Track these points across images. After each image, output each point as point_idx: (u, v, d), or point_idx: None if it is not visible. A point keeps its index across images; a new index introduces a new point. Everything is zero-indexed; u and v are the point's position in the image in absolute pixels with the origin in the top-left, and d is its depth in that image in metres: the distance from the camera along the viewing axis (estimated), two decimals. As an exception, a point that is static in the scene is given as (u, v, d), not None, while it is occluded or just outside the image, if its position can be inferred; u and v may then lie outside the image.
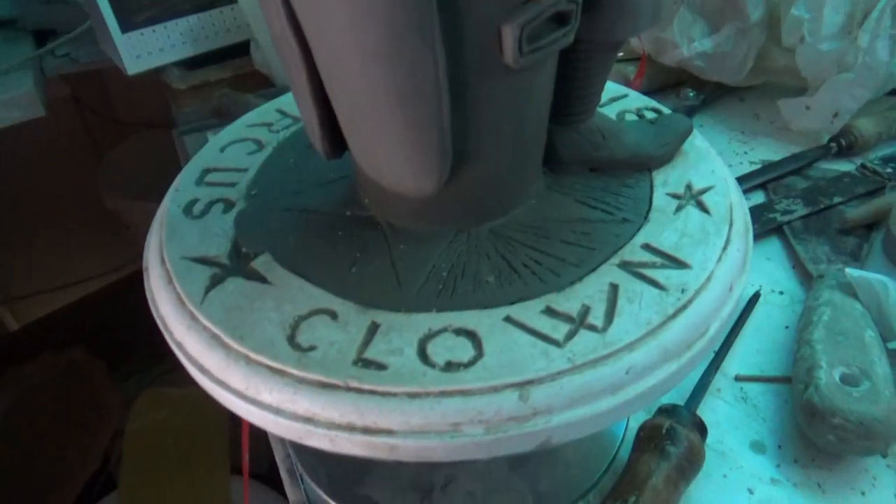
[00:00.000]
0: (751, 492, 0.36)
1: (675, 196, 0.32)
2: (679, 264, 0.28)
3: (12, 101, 0.80)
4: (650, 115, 0.37)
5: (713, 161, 0.34)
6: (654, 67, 0.66)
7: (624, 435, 0.39)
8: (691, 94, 0.66)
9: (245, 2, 0.72)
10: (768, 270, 0.49)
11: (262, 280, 0.28)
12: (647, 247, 0.29)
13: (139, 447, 1.02)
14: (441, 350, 0.24)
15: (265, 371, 0.24)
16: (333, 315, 0.26)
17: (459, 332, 0.25)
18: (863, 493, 0.35)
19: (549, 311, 0.26)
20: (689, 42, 0.63)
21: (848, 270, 0.43)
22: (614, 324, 0.25)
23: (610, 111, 0.38)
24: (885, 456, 0.37)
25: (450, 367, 0.24)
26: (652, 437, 0.35)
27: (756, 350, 0.43)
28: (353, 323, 0.25)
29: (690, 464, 0.35)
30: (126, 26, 0.71)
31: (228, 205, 0.32)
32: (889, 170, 0.55)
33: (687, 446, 0.35)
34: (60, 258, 1.28)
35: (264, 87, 0.74)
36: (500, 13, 0.23)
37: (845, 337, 0.39)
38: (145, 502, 0.92)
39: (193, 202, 0.32)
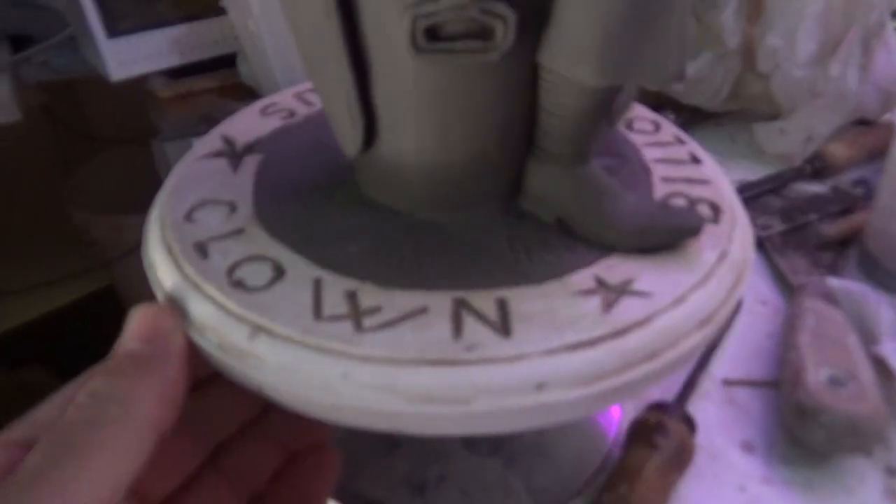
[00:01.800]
0: (742, 490, 0.36)
1: (585, 283, 0.25)
2: (502, 332, 0.23)
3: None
4: (704, 210, 0.29)
5: (689, 275, 0.25)
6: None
7: (616, 434, 0.39)
8: (670, 118, 0.68)
9: (234, 13, 0.73)
10: (751, 282, 0.49)
11: (237, 162, 0.31)
12: (498, 301, 0.24)
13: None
14: (248, 274, 0.25)
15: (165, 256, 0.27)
16: (241, 233, 0.28)
17: (264, 259, 0.26)
18: (851, 492, 0.36)
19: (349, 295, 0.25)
20: (670, 67, 0.65)
21: (829, 280, 0.44)
22: (365, 326, 0.23)
23: (665, 187, 0.31)
24: (870, 456, 0.38)
25: (240, 285, 0.25)
26: (642, 431, 0.36)
27: (742, 356, 0.44)
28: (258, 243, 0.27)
29: (681, 456, 0.35)
30: (112, 32, 0.71)
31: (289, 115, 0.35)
32: (859, 191, 0.58)
33: (676, 439, 0.36)
34: (17, 269, 1.24)
35: (249, 98, 0.74)
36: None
37: (830, 341, 0.40)
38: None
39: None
